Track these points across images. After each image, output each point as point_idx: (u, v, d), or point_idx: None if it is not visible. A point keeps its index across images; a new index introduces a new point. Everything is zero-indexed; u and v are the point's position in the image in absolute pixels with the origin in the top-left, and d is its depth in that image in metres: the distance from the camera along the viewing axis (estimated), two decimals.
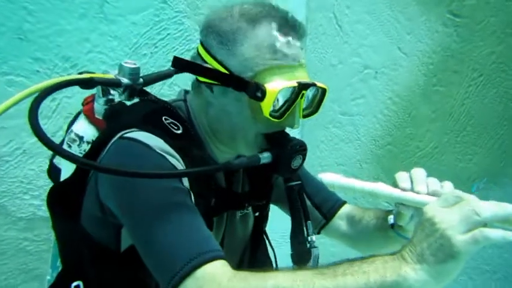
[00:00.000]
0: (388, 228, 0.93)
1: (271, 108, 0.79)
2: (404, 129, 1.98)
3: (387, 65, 1.93)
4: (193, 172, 0.77)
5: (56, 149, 0.73)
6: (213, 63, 0.81)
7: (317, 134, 1.95)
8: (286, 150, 0.82)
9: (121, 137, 0.79)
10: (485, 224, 0.61)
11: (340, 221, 1.05)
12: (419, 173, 0.78)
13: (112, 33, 1.52)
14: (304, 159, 0.86)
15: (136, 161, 0.76)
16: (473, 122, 2.03)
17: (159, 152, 0.76)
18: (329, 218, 1.04)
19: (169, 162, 0.76)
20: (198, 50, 0.85)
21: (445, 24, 1.94)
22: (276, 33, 0.79)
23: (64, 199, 0.87)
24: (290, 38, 0.80)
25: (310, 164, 1.94)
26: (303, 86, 0.80)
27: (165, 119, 0.82)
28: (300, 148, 0.84)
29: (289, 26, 0.80)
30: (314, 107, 0.88)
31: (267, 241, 1.02)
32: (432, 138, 2.01)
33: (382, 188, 0.78)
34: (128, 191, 0.74)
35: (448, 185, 0.78)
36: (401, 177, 0.78)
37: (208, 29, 0.83)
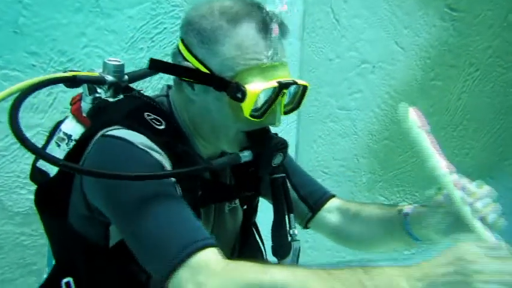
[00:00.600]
0: (396, 222, 0.91)
1: (252, 109, 0.79)
2: (401, 124, 1.98)
3: (384, 60, 1.93)
4: (172, 174, 0.77)
5: (36, 151, 0.72)
6: (194, 62, 0.81)
7: (314, 128, 1.95)
8: (267, 148, 0.83)
9: (103, 135, 0.79)
10: None
11: (328, 214, 1.03)
12: (487, 192, 0.76)
13: (108, 27, 1.51)
14: (285, 156, 0.87)
15: (119, 159, 0.75)
16: (469, 117, 2.04)
17: (142, 147, 0.76)
18: (315, 210, 1.03)
19: (154, 157, 0.76)
20: (178, 47, 0.84)
21: (443, 18, 1.94)
22: (256, 32, 0.78)
23: (51, 198, 0.87)
24: (271, 38, 0.79)
25: (307, 158, 1.95)
26: (283, 85, 0.80)
27: (148, 115, 0.82)
28: (281, 146, 0.85)
29: (270, 25, 0.79)
30: (295, 103, 0.88)
31: (256, 234, 1.02)
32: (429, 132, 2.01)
33: (453, 179, 0.76)
34: (113, 188, 0.74)
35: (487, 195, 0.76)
36: (474, 190, 0.76)
37: (188, 26, 0.82)
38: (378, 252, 1.05)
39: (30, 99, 1.53)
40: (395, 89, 1.95)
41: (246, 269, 0.67)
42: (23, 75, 1.42)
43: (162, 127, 0.81)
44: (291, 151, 2.07)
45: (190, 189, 0.82)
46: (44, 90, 1.48)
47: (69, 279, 0.85)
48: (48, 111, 1.49)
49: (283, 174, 0.95)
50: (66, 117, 0.93)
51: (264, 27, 0.79)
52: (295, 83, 0.83)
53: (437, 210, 0.84)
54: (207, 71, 0.80)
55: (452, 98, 2.01)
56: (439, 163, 0.77)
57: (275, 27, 0.80)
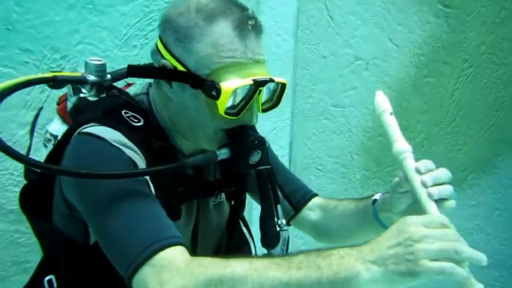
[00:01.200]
0: (368, 211, 0.93)
1: (228, 106, 0.79)
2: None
3: (378, 56, 1.94)
4: (145, 172, 0.77)
5: (13, 155, 0.72)
6: (171, 60, 0.81)
7: (308, 125, 1.95)
8: (244, 146, 0.83)
9: (79, 133, 0.80)
10: None
11: (310, 211, 1.06)
12: (439, 171, 0.77)
13: (101, 24, 1.51)
14: (263, 153, 0.88)
15: (91, 156, 0.76)
16: (463, 113, 2.05)
17: (115, 144, 0.77)
18: (298, 208, 1.05)
19: (126, 154, 0.77)
20: (157, 45, 0.85)
21: (436, 15, 1.94)
22: (232, 31, 0.79)
23: (35, 199, 0.88)
24: (247, 36, 0.79)
25: (301, 156, 1.96)
26: (259, 83, 0.80)
27: (125, 112, 0.83)
28: (258, 144, 0.85)
29: (246, 23, 0.80)
30: (275, 101, 0.89)
31: (244, 228, 1.03)
32: (423, 129, 2.03)
33: (409, 162, 0.77)
34: (87, 184, 0.75)
35: (443, 172, 0.78)
36: (424, 167, 0.77)
37: (166, 24, 0.83)
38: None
39: (23, 97, 1.53)
40: (390, 85, 1.96)
41: (208, 265, 0.68)
42: (16, 72, 1.41)
43: (139, 124, 0.82)
44: (285, 148, 2.08)
45: (169, 186, 0.83)
46: (37, 88, 1.47)
47: (51, 276, 0.86)
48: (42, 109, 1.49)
49: (269, 166, 0.95)
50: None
51: (240, 25, 0.79)
52: (271, 80, 0.83)
53: (398, 192, 0.85)
54: (184, 69, 0.80)
55: (446, 95, 2.02)
56: (398, 143, 0.79)
57: (251, 25, 0.80)
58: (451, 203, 0.76)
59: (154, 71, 0.84)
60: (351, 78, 1.94)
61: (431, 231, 0.65)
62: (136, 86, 1.12)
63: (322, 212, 1.05)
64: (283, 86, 0.88)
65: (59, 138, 0.89)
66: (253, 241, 1.05)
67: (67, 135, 0.82)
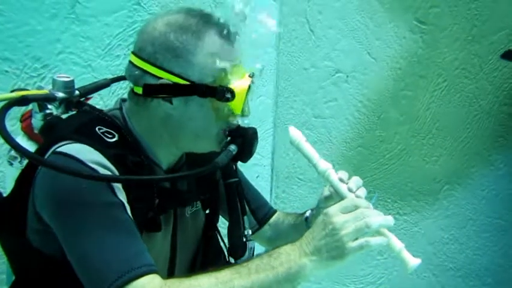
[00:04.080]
0: (301, 228, 1.00)
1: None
2: (374, 132, 2.04)
3: (358, 69, 1.99)
4: (152, 179, 0.85)
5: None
6: (170, 77, 0.83)
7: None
8: (247, 139, 0.90)
9: (54, 152, 0.79)
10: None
11: (267, 227, 1.14)
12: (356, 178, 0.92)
13: (84, 33, 1.50)
14: (235, 166, 0.99)
15: (69, 179, 0.76)
16: (438, 125, 2.11)
17: (92, 165, 0.77)
18: (262, 224, 1.13)
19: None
20: (141, 68, 0.85)
21: (412, 30, 2.02)
22: (219, 38, 0.86)
23: (8, 216, 0.87)
24: (231, 39, 0.87)
25: (283, 165, 1.98)
26: (252, 78, 0.89)
27: (99, 128, 0.83)
28: (255, 133, 0.93)
29: (226, 29, 0.86)
30: None
31: (219, 236, 1.07)
32: (400, 140, 2.08)
33: (334, 177, 0.91)
34: (62, 205, 0.76)
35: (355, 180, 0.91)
36: (345, 176, 0.91)
37: (152, 47, 0.84)
38: None
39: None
40: (368, 98, 2.01)
41: (179, 286, 0.74)
42: None
43: (114, 140, 0.83)
44: (267, 158, 2.09)
45: (146, 198, 0.84)
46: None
47: None
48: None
49: (237, 179, 1.02)
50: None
51: (223, 32, 0.86)
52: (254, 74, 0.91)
53: (327, 206, 0.91)
54: (188, 82, 0.83)
55: (422, 107, 2.09)
56: (320, 163, 0.92)
57: (229, 30, 0.86)
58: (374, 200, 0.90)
59: (169, 88, 0.84)
60: (332, 90, 1.98)
61: (348, 216, 0.78)
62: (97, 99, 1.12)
63: (273, 227, 1.15)
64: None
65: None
66: (226, 249, 1.07)
67: (40, 154, 0.81)
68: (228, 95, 0.84)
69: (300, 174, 2.02)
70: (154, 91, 0.84)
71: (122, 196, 0.79)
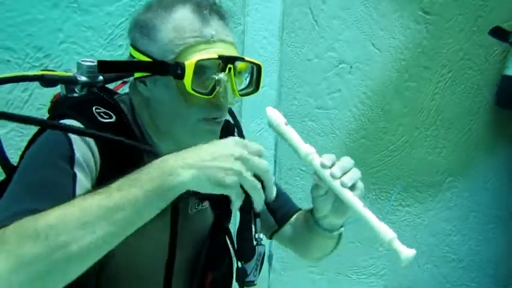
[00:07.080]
0: (311, 221, 0.94)
1: (195, 82, 0.78)
2: (378, 123, 2.03)
3: (361, 60, 1.97)
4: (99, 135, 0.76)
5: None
6: (136, 55, 0.82)
7: (293, 127, 1.97)
8: (239, 130, 0.86)
9: None
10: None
11: (288, 226, 1.06)
12: (345, 161, 0.83)
13: (86, 23, 1.49)
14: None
15: (41, 143, 0.76)
16: (442, 117, 2.10)
17: (69, 135, 0.75)
18: (281, 224, 1.05)
19: (71, 147, 0.75)
20: (130, 51, 0.86)
21: (417, 21, 1.99)
22: (191, 13, 0.80)
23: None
24: (207, 17, 0.80)
25: (286, 157, 1.97)
26: (227, 59, 0.79)
27: (96, 108, 0.82)
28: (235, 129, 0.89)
29: (205, 5, 0.81)
30: (254, 86, 0.88)
31: (228, 239, 1.00)
32: (403, 132, 2.07)
33: (313, 156, 0.82)
34: (21, 167, 0.75)
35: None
36: (328, 160, 0.82)
37: (131, 24, 0.84)
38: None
39: (5, 96, 1.50)
40: (372, 89, 2.00)
41: (22, 222, 0.63)
42: None
43: (108, 120, 0.81)
44: (270, 149, 2.08)
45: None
46: (20, 86, 1.44)
47: None
48: (24, 108, 1.46)
49: None
50: None
51: (198, 9, 0.80)
52: (241, 59, 0.83)
53: (319, 195, 0.86)
54: (150, 60, 0.80)
55: (426, 99, 2.07)
56: (302, 147, 0.83)
57: (210, 8, 0.81)
58: (361, 184, 0.82)
59: (122, 65, 0.83)
60: (335, 81, 1.97)
61: (250, 157, 0.69)
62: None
63: (294, 226, 1.05)
64: (259, 68, 0.86)
65: None
66: (235, 252, 1.01)
67: (40, 130, 0.81)
68: (179, 71, 0.76)
69: (303, 166, 2.01)
70: (123, 65, 0.83)
71: (82, 173, 0.75)
